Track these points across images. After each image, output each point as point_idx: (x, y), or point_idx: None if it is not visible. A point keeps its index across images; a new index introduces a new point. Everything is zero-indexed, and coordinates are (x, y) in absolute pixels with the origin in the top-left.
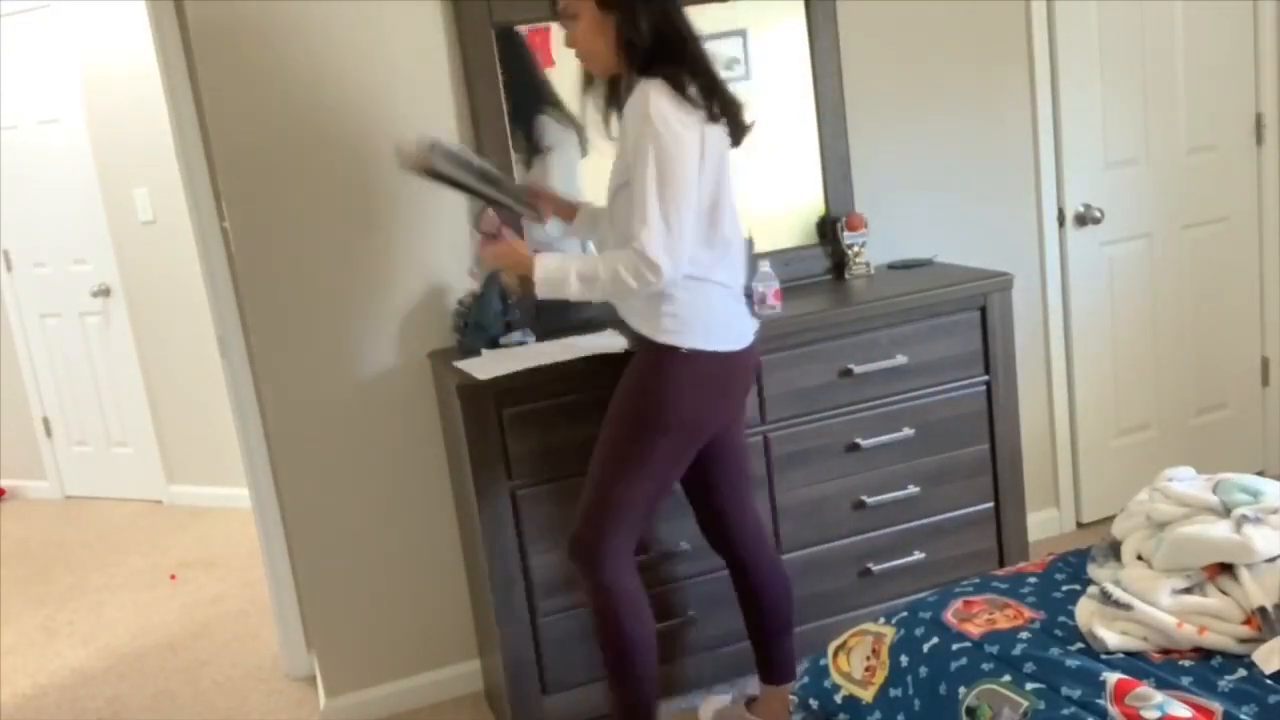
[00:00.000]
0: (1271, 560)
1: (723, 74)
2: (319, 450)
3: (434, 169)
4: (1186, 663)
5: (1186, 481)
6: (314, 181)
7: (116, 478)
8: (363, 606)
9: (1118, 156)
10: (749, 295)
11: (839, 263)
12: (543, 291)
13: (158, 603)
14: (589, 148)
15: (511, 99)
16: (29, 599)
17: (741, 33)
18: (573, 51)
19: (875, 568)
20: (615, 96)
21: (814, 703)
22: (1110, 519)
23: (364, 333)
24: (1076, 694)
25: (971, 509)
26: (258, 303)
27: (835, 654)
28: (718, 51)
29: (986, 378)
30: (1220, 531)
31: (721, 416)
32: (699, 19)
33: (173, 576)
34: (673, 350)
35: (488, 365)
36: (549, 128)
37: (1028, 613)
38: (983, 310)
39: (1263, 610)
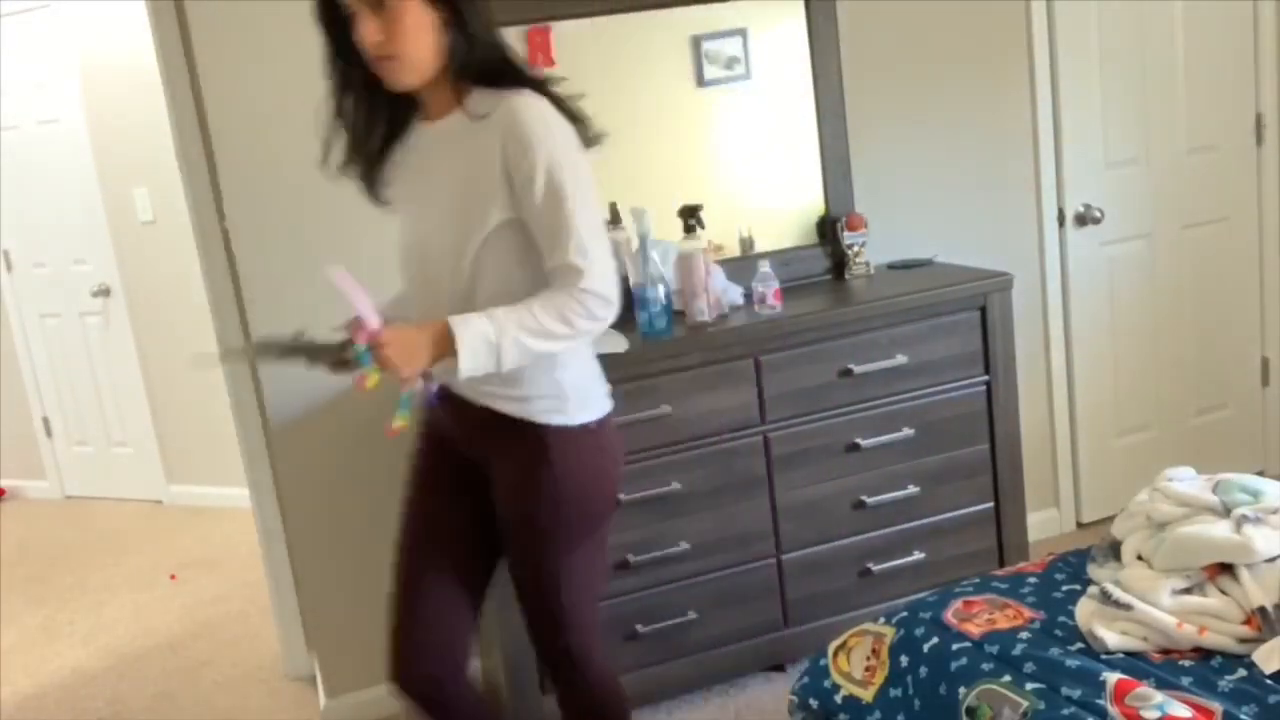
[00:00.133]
0: (1271, 560)
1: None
2: (319, 450)
3: (260, 359)
4: (1186, 663)
5: (1186, 481)
6: (314, 181)
7: (116, 478)
8: (363, 606)
9: (1118, 156)
10: (748, 295)
11: (839, 263)
12: (470, 371)
13: (158, 603)
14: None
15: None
16: (29, 599)
17: (741, 32)
18: (375, 54)
19: (875, 568)
20: (397, 129)
21: (814, 703)
22: (1110, 519)
23: None
24: (1076, 694)
25: (971, 509)
26: (258, 303)
27: (835, 654)
28: (718, 51)
29: (986, 377)
30: (1220, 531)
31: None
32: (699, 19)
33: (173, 576)
34: (582, 428)
35: None
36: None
37: (1028, 613)
38: (983, 310)
39: (1263, 610)
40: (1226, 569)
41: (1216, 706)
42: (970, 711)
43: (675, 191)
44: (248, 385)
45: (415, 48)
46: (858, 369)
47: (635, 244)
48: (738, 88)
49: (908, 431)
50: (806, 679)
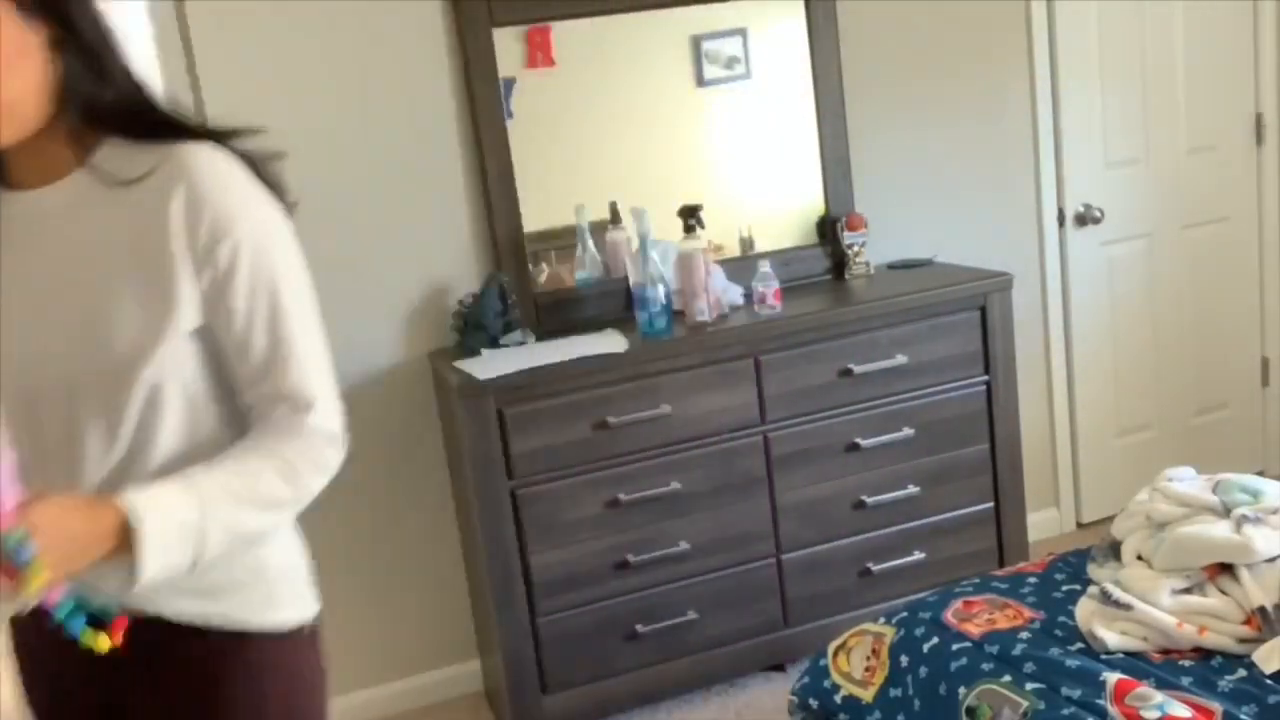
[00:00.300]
0: (1271, 560)
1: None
2: None
3: None
4: (1186, 663)
5: (1186, 481)
6: (314, 182)
7: None
8: (363, 606)
9: (1118, 156)
10: (748, 295)
11: (839, 263)
12: (156, 574)
13: None
14: None
15: None
16: None
17: (741, 32)
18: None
19: (875, 568)
20: None
21: (814, 703)
22: (1110, 519)
23: (364, 332)
24: (1076, 694)
25: (971, 509)
26: None
27: (835, 654)
28: (718, 51)
29: (986, 377)
30: (1220, 531)
31: None
32: (699, 19)
33: None
34: (298, 630)
35: (488, 365)
36: None
37: (1028, 613)
38: (983, 310)
39: (1263, 610)
40: (1226, 569)
41: (1216, 706)
42: (970, 711)
43: (675, 191)
44: None
45: (13, 83)
46: (858, 369)
47: (635, 244)
48: (737, 87)
49: (908, 431)
50: (806, 679)
